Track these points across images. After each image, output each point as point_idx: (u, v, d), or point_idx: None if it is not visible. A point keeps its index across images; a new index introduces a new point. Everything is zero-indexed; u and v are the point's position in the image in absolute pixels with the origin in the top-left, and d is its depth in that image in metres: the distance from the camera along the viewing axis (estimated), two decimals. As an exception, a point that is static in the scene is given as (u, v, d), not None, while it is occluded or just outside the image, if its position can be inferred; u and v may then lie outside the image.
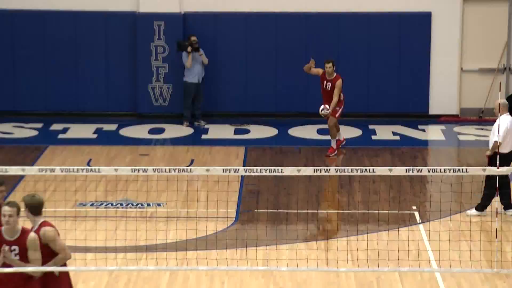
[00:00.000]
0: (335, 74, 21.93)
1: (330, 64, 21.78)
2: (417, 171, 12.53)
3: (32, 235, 11.47)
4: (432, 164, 22.46)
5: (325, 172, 12.67)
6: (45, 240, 11.58)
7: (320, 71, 22.07)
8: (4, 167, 11.93)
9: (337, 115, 22.09)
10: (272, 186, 19.48)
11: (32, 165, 20.73)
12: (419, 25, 25.52)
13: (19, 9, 25.36)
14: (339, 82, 21.89)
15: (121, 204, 18.59)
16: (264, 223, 17.91)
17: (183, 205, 18.53)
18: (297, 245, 16.84)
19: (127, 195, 18.91)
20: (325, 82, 21.88)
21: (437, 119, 25.71)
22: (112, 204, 18.61)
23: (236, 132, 24.66)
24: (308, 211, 18.13)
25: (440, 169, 11.91)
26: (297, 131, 23.55)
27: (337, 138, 22.31)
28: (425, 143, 24.57)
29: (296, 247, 16.66)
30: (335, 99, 21.78)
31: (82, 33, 25.43)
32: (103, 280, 14.79)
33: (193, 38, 24.42)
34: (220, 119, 25.54)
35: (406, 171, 12.19)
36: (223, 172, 12.47)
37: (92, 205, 18.46)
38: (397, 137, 24.28)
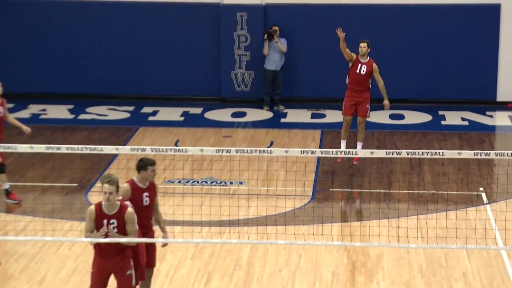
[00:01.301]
0: (368, 57, 19.66)
1: (365, 44, 19.40)
2: (485, 155, 12.44)
3: (130, 210, 11.75)
4: (499, 148, 22.24)
5: (397, 154, 12.65)
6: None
7: (354, 55, 19.54)
8: (99, 146, 12.13)
9: (368, 113, 19.93)
10: (346, 167, 19.49)
11: (124, 144, 21.03)
12: (488, 16, 25.26)
13: (114, 0, 25.75)
14: (375, 65, 19.49)
15: (206, 182, 18.76)
16: (338, 202, 17.97)
17: (263, 184, 18.67)
18: (369, 222, 16.88)
19: (211, 173, 19.09)
20: (359, 65, 19.40)
21: (504, 106, 25.45)
22: (198, 182, 18.80)
23: (313, 116, 24.67)
24: (380, 190, 18.14)
25: (507, 153, 11.79)
26: (370, 116, 23.47)
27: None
28: (492, 128, 24.33)
29: (368, 224, 16.70)
30: (381, 82, 19.45)
31: (170, 23, 25.63)
32: (190, 252, 14.97)
33: (274, 27, 24.50)
34: (298, 104, 25.56)
35: (474, 155, 12.12)
36: (301, 153, 12.52)
37: (179, 182, 18.65)
38: (466, 123, 24.08)
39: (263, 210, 16.99)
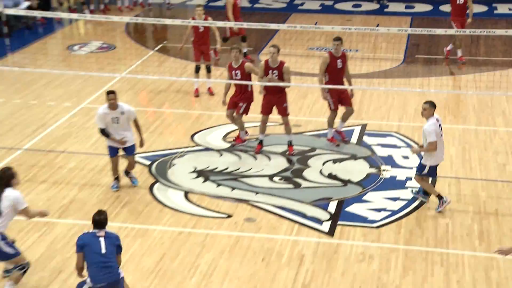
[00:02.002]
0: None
1: None
2: (523, 33, 12.11)
3: (286, 64, 12.04)
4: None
5: (462, 32, 12.35)
6: (250, 69, 12.18)
7: None
8: (268, 24, 12.26)
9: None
10: (427, 40, 19.03)
11: (283, 23, 21.02)
12: None
13: None
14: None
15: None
16: (421, 64, 17.63)
17: (371, 51, 18.48)
18: (441, 77, 16.61)
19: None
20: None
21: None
22: (327, 49, 18.48)
23: (406, 7, 23.88)
24: (450, 57, 17.67)
25: (539, 32, 11.35)
26: (446, 7, 22.45)
27: None
28: (530, 16, 23.13)
29: (440, 79, 16.45)
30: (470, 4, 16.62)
31: None
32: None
33: None
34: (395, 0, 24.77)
35: (516, 32, 11.77)
36: (397, 31, 12.33)
37: (317, 49, 18.59)
38: (512, 12, 23.03)
39: (370, 68, 16.92)
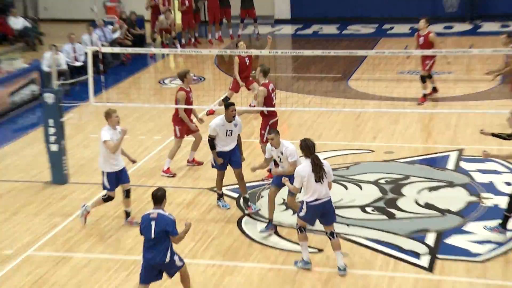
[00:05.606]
0: None
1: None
2: None
3: None
4: None
5: None
6: None
7: None
8: (355, 51, 11.59)
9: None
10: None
11: (372, 48, 20.30)
12: None
13: None
14: None
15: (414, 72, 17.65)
16: None
17: (466, 72, 17.42)
18: None
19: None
20: None
21: None
22: (418, 72, 17.68)
23: (502, 26, 22.64)
24: None
25: None
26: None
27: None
28: None
29: None
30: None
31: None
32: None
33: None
34: (490, 19, 23.63)
35: None
36: (492, 51, 11.39)
37: (407, 73, 17.64)
38: None
39: (465, 90, 15.99)
